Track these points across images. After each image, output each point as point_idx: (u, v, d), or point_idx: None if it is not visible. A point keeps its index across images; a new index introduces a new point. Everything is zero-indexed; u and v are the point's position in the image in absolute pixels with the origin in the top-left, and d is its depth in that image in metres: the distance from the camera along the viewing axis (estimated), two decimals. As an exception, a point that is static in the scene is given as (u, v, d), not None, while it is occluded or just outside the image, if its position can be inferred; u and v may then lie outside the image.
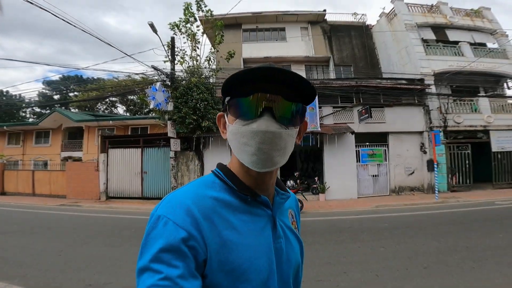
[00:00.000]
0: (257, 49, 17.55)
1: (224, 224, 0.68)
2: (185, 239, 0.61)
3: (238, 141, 0.70)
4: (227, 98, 0.74)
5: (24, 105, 30.70)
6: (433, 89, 14.48)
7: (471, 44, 16.18)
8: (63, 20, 7.51)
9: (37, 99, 33.31)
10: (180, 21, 13.63)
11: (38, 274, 4.37)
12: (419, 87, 14.33)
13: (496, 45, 16.82)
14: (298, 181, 13.60)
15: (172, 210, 0.65)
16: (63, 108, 25.19)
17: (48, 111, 25.10)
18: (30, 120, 33.09)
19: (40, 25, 65.33)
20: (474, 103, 14.84)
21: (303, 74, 17.14)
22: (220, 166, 0.80)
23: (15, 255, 5.36)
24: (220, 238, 0.66)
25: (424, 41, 15.88)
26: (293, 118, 0.72)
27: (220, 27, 13.96)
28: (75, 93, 32.46)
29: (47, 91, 35.63)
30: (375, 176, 13.76)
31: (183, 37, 13.88)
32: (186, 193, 0.70)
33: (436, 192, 11.73)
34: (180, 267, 0.59)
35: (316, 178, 13.80)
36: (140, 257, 0.62)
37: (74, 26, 7.81)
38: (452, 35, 16.37)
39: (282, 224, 0.81)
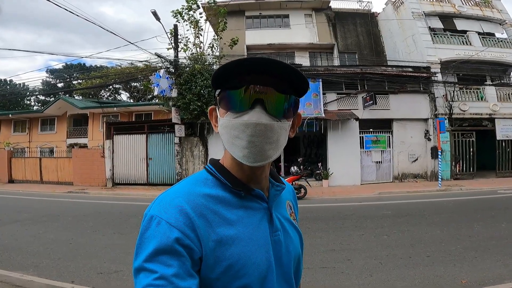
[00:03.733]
0: (261, 36, 17.35)
1: (219, 220, 0.67)
2: (179, 239, 0.60)
3: (229, 134, 0.69)
4: (218, 91, 0.72)
5: (28, 93, 30.78)
6: (439, 77, 14.32)
7: (479, 33, 15.91)
8: (65, 10, 7.47)
9: (41, 87, 33.32)
10: (182, 8, 13.45)
11: (50, 264, 4.45)
12: (425, 74, 14.18)
13: (504, 35, 16.57)
14: (301, 167, 13.66)
15: (164, 210, 0.64)
16: (67, 95, 25.20)
17: (53, 98, 25.16)
18: (35, 108, 33.23)
19: (37, 16, 64.66)
20: (480, 91, 14.70)
21: (307, 61, 16.99)
22: (213, 161, 0.78)
23: (27, 244, 5.43)
24: (215, 235, 0.65)
25: (432, 29, 15.63)
26: (285, 111, 0.70)
27: (223, 14, 13.78)
28: (79, 81, 32.43)
29: (50, 80, 35.63)
30: (379, 162, 13.81)
31: (186, 25, 13.76)
32: (179, 191, 0.69)
33: (439, 179, 11.75)
34: (175, 266, 0.58)
35: (320, 164, 13.87)
36: (135, 258, 0.61)
37: (78, 15, 7.77)
38: (460, 25, 16.09)
39: (280, 216, 0.80)
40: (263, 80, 0.67)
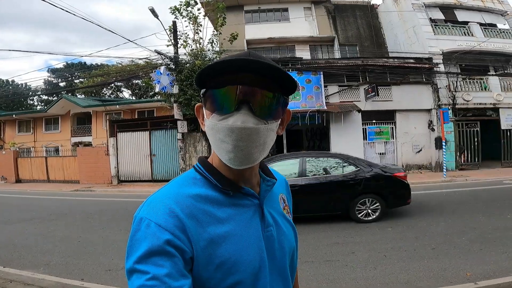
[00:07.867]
0: (261, 30, 17.27)
1: (209, 219, 0.67)
2: (169, 240, 0.60)
3: (215, 137, 0.67)
4: (203, 90, 0.69)
5: (31, 93, 30.89)
6: (441, 68, 14.21)
7: (481, 24, 15.80)
8: (61, 9, 7.43)
9: (43, 87, 33.43)
10: (180, 4, 13.35)
11: (60, 262, 4.51)
12: (427, 65, 14.09)
13: (506, 26, 16.43)
14: (304, 160, 13.65)
15: (153, 212, 0.63)
16: (69, 94, 25.27)
17: (55, 98, 25.25)
18: (39, 107, 33.37)
19: (33, 16, 64.97)
20: (483, 82, 14.61)
21: (307, 54, 16.91)
22: (201, 160, 0.77)
23: (37, 243, 5.51)
24: (207, 234, 0.65)
25: (432, 21, 15.54)
26: (273, 111, 0.67)
27: (222, 9, 13.66)
28: (80, 79, 32.49)
29: (52, 79, 35.71)
30: (382, 154, 13.79)
31: (185, 21, 13.67)
32: (168, 193, 0.68)
33: (444, 170, 11.68)
34: (167, 266, 0.58)
35: (323, 156, 13.83)
36: (127, 260, 0.61)
37: (75, 15, 7.75)
38: (461, 16, 15.98)
39: (272, 211, 0.79)
40: (249, 79, 0.64)
